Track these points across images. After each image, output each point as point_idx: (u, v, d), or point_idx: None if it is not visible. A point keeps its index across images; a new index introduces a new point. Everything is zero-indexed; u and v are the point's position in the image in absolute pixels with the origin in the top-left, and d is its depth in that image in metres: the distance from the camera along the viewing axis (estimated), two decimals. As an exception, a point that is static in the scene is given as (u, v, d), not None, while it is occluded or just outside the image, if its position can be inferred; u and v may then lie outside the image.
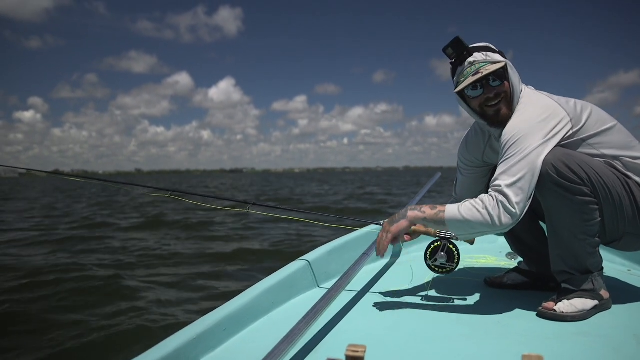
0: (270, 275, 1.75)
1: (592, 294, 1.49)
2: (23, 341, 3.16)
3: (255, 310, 1.55)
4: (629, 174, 1.48)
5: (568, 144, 1.48)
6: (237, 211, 2.03)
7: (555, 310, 1.46)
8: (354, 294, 1.78)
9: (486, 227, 1.40)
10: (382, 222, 1.71)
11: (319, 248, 2.07)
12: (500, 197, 1.38)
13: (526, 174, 1.38)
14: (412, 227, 1.60)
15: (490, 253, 2.48)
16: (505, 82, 1.52)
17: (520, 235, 1.80)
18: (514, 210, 1.37)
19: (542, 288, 1.76)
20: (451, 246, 1.65)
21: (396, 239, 1.53)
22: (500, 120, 1.54)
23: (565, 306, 1.46)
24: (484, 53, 1.51)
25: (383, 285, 1.92)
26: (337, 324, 1.48)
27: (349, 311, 1.60)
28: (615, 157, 1.50)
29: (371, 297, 1.75)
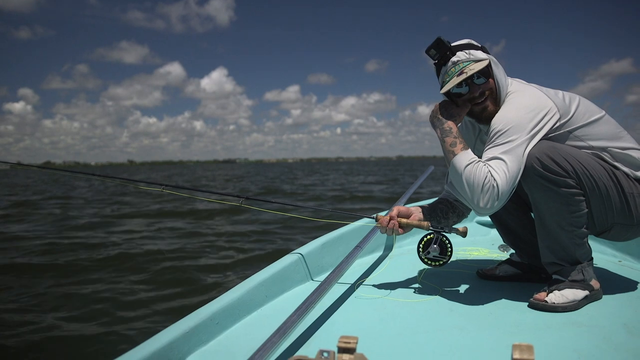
0: (264, 269, 1.74)
1: (582, 284, 1.50)
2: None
3: (248, 303, 1.55)
4: (617, 164, 1.49)
5: (555, 136, 1.48)
6: (231, 204, 2.02)
7: (546, 301, 1.48)
8: (347, 286, 1.78)
9: (469, 198, 1.42)
10: (374, 215, 1.71)
11: (312, 241, 2.07)
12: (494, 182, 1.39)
13: (512, 166, 1.39)
14: (406, 221, 1.62)
15: (482, 245, 2.49)
16: (490, 79, 1.53)
17: (512, 226, 1.81)
18: (497, 200, 1.38)
19: (534, 279, 1.78)
20: (444, 239, 1.65)
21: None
22: (487, 117, 1.54)
23: (556, 297, 1.48)
24: (467, 51, 1.51)
25: (375, 278, 1.93)
26: (329, 317, 1.48)
27: (341, 304, 1.60)
28: (604, 149, 1.51)
29: (364, 290, 1.75)
